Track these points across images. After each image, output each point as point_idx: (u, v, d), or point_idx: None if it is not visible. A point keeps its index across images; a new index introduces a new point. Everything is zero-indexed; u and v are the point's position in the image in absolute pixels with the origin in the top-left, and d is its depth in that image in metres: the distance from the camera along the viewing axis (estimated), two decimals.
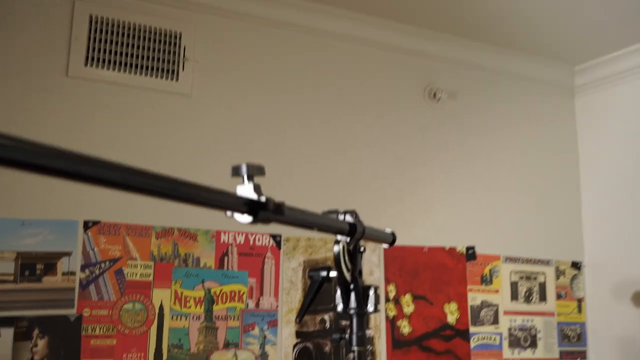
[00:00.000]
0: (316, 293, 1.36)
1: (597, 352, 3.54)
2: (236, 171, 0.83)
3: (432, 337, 3.11)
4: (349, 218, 1.17)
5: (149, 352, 2.49)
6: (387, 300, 3.06)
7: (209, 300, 2.64)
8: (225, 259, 2.71)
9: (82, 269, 2.44)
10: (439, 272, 3.20)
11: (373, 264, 3.06)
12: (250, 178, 0.82)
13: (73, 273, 2.42)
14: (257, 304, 2.74)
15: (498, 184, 3.50)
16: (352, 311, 1.24)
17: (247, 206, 0.81)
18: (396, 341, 3.03)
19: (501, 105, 3.61)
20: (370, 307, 1.25)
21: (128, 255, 2.53)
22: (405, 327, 3.07)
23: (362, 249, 1.27)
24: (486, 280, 3.33)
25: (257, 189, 0.82)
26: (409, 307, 3.10)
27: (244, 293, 2.71)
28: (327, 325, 2.88)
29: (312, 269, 1.39)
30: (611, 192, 3.57)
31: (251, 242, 2.78)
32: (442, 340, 3.13)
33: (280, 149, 2.95)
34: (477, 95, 3.54)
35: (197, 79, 2.81)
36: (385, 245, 1.43)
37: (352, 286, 1.23)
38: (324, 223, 1.11)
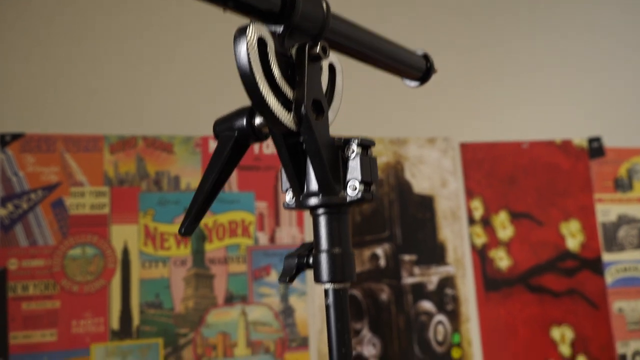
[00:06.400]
0: (225, 172, 0.56)
1: None
2: None
3: (546, 272, 2.10)
4: None
5: (111, 315, 1.70)
6: (472, 221, 2.08)
7: (199, 237, 1.81)
8: None
9: (3, 202, 1.67)
10: (548, 177, 2.17)
11: (445, 169, 2.08)
12: None
13: None
14: (272, 238, 1.87)
15: (634, 45, 2.37)
16: (311, 201, 0.53)
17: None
18: (490, 280, 2.06)
19: None
20: (352, 191, 0.53)
21: (70, 179, 1.73)
22: (502, 260, 2.08)
23: (319, 52, 0.53)
24: (623, 184, 2.25)
25: None
26: (505, 230, 2.10)
27: (250, 223, 1.85)
28: (382, 263, 1.96)
29: (219, 119, 0.58)
30: None
31: (256, 150, 1.90)
32: (561, 275, 2.11)
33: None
34: None
35: None
36: (411, 83, 0.76)
37: (302, 138, 0.52)
38: None
